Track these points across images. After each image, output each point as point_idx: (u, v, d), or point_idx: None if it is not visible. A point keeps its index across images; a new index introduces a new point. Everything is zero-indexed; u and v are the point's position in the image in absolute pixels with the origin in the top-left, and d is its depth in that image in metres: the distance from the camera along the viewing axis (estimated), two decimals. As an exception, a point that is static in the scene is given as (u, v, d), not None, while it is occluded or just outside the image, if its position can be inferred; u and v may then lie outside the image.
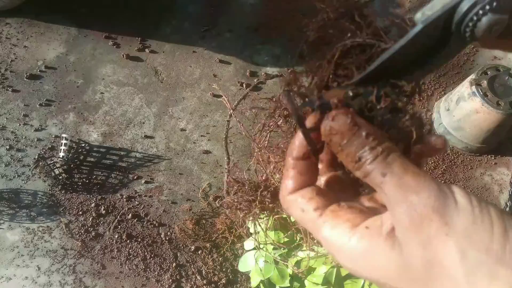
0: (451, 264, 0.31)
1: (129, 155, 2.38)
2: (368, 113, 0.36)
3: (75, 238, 2.16)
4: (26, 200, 2.22)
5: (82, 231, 2.17)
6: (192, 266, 2.16)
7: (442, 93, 2.70)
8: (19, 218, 2.18)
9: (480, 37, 0.34)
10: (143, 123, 2.48)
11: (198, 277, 2.12)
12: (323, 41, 0.38)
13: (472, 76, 2.31)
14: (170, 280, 2.10)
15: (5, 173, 2.26)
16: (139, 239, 2.19)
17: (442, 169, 2.52)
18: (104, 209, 2.23)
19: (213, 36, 2.79)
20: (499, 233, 0.30)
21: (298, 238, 1.27)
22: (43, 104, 2.45)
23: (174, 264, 2.14)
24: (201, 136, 2.48)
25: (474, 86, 2.25)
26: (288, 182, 0.40)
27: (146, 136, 2.44)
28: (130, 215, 2.23)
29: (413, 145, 0.36)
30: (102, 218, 2.22)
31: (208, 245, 2.18)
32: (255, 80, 2.67)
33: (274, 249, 1.31)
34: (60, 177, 2.25)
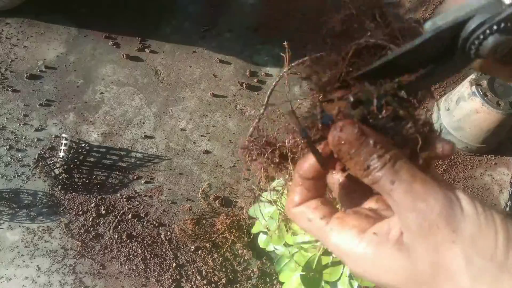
0: (457, 270, 0.32)
1: (129, 155, 2.38)
2: (372, 122, 0.37)
3: (75, 238, 2.16)
4: (26, 200, 2.22)
5: (82, 231, 2.17)
6: (192, 266, 2.16)
7: (442, 93, 2.70)
8: (19, 218, 2.18)
9: (485, 56, 0.35)
10: (143, 123, 2.48)
11: (198, 277, 2.12)
12: (344, 36, 0.39)
13: (472, 76, 2.31)
14: (170, 280, 2.10)
15: (5, 173, 2.26)
16: (139, 239, 2.19)
17: (442, 169, 2.52)
18: (104, 209, 2.23)
19: (213, 36, 2.79)
20: (503, 241, 0.32)
21: None
22: (43, 104, 2.45)
23: (174, 264, 2.14)
24: (201, 136, 2.48)
25: (474, 86, 2.25)
26: (294, 196, 0.41)
27: (146, 136, 2.44)
28: (130, 215, 2.23)
29: (420, 151, 0.37)
30: (102, 218, 2.22)
31: (208, 245, 2.18)
32: (255, 80, 2.67)
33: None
34: (60, 177, 2.25)
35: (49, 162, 2.25)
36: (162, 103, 2.55)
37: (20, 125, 2.38)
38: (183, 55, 2.71)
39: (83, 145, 2.35)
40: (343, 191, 0.43)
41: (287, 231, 1.37)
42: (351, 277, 1.27)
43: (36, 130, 2.38)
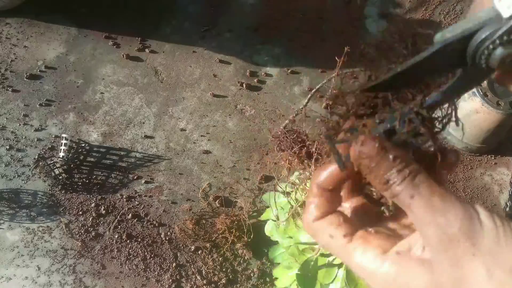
0: (479, 283, 0.33)
1: (129, 155, 2.38)
2: (394, 138, 0.38)
3: (75, 238, 2.16)
4: (26, 200, 2.22)
5: (82, 231, 2.17)
6: (192, 266, 2.16)
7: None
8: (19, 218, 2.18)
9: (495, 67, 0.35)
10: (143, 123, 2.48)
11: (198, 277, 2.12)
12: (379, 57, 0.42)
13: (472, 76, 2.31)
14: (170, 280, 2.10)
15: (5, 173, 2.26)
16: (139, 239, 2.19)
17: (442, 169, 2.52)
18: (104, 209, 2.23)
19: (213, 36, 2.79)
20: None
21: None
22: (43, 104, 2.45)
23: (174, 264, 2.14)
24: (201, 136, 2.48)
25: (474, 86, 2.25)
26: (313, 210, 0.41)
27: (146, 136, 2.44)
28: (130, 215, 2.23)
29: (438, 167, 0.39)
30: (102, 218, 2.22)
31: (208, 245, 2.18)
32: (255, 80, 2.67)
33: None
34: (60, 177, 2.25)
35: (49, 162, 2.25)
36: (162, 103, 2.55)
37: (20, 125, 2.38)
38: (183, 55, 2.71)
39: (83, 145, 2.35)
40: (354, 216, 0.43)
41: (295, 225, 1.39)
42: (345, 282, 1.27)
43: (36, 130, 2.38)
